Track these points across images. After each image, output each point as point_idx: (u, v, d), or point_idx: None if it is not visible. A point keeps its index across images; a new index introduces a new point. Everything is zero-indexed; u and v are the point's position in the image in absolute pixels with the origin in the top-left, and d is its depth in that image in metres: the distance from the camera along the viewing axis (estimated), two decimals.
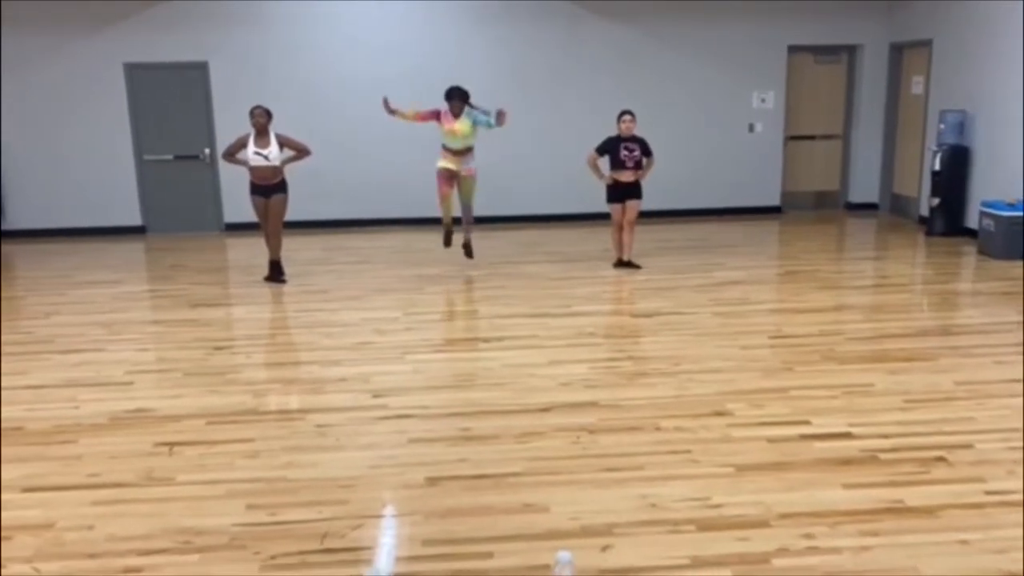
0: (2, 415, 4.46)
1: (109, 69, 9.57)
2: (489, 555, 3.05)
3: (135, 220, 10.00)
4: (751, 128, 10.35)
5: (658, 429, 4.14)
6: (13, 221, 9.84)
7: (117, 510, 3.44)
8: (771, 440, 3.98)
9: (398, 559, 3.13)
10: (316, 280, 7.55)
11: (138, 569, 3.01)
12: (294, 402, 4.71)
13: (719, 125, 10.27)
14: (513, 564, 3.00)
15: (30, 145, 9.67)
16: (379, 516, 3.42)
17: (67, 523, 3.33)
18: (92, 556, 3.09)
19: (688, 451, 3.88)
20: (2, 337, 5.94)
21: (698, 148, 10.20)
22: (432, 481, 3.64)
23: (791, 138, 10.61)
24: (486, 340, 5.73)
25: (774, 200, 10.60)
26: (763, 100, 10.31)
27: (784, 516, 3.27)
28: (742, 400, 4.48)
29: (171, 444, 4.06)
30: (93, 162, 9.77)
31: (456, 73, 9.92)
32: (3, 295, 7.32)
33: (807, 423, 4.18)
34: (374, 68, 9.73)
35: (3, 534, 3.24)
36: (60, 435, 4.21)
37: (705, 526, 3.22)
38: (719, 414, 4.30)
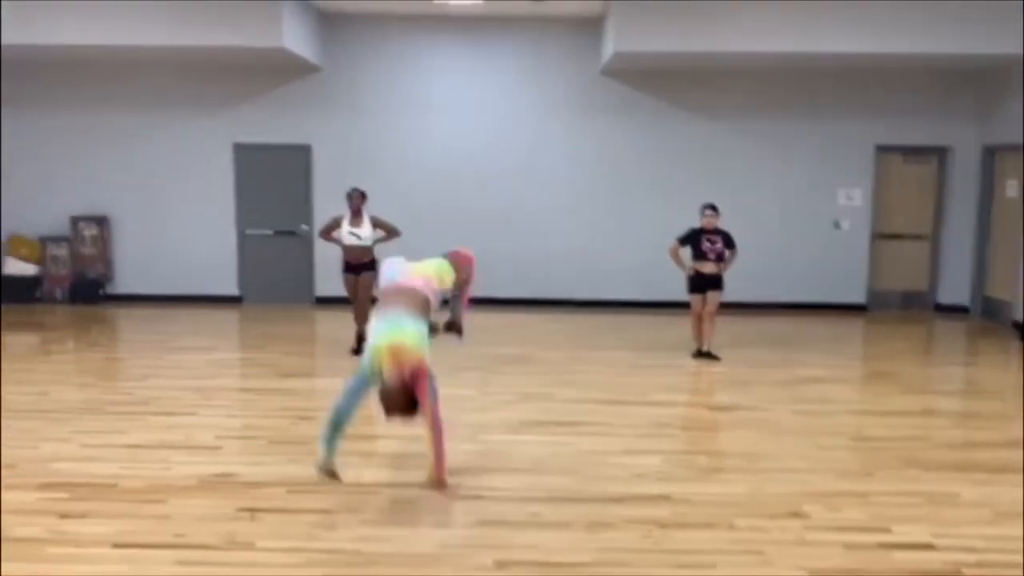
0: (99, 472, 4.71)
1: (219, 148, 10.25)
2: None
3: (232, 290, 10.50)
4: (836, 225, 10.29)
5: (731, 527, 4.09)
6: (120, 286, 10.47)
7: (199, 571, 3.58)
8: (848, 546, 3.88)
9: None
10: None
11: None
12: (370, 475, 4.82)
13: (804, 220, 10.25)
14: None
15: (139, 214, 10.36)
16: None
17: None
18: None
19: (761, 552, 3.82)
20: (99, 396, 6.29)
21: (782, 242, 10.18)
22: (501, 564, 3.67)
23: (879, 236, 10.49)
24: (560, 424, 5.77)
25: (860, 298, 10.43)
26: (850, 198, 10.26)
27: None
28: (819, 502, 4.39)
29: (253, 510, 4.22)
30: (197, 233, 10.38)
31: (545, 159, 10.29)
32: (107, 356, 7.77)
33: (887, 531, 4.06)
34: (468, 155, 10.15)
35: None
36: (151, 494, 4.42)
37: None
38: (795, 515, 4.22)
